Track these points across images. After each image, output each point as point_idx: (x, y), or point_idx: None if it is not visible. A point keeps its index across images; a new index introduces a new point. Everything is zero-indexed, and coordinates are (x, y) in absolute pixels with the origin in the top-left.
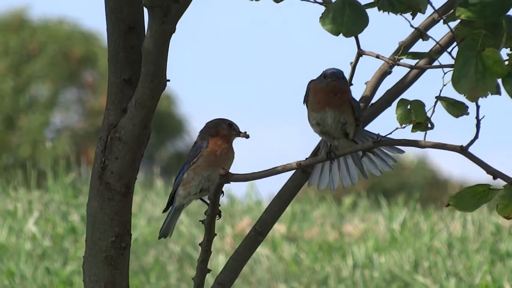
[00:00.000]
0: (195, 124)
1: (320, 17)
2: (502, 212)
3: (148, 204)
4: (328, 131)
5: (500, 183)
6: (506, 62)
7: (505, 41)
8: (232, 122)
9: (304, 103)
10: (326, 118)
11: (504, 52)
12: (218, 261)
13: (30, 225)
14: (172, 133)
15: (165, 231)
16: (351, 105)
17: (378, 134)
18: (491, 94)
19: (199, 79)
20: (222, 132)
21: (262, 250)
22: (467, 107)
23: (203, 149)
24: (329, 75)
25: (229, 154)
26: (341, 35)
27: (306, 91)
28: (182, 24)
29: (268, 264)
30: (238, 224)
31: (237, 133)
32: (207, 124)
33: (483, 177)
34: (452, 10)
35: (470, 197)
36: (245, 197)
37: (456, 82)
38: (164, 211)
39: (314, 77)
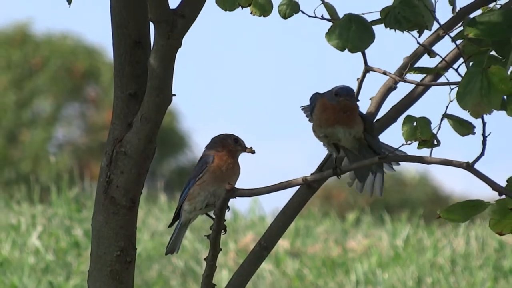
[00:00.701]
0: (198, 139)
1: (326, 33)
2: (494, 228)
3: (151, 219)
4: (338, 142)
5: None
6: None
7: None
8: (238, 137)
9: (310, 116)
10: (336, 133)
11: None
12: (222, 276)
13: (34, 239)
14: (174, 148)
15: (172, 247)
16: (361, 118)
17: (387, 147)
18: (496, 110)
19: (201, 94)
20: (228, 147)
21: (265, 266)
22: (474, 126)
23: (208, 164)
24: (342, 93)
25: (235, 169)
26: (346, 50)
27: (312, 106)
28: (186, 38)
29: (272, 279)
30: (242, 240)
31: (243, 148)
32: (213, 139)
33: (486, 193)
34: (457, 26)
35: (461, 209)
36: (249, 212)
37: (461, 99)
38: (170, 226)
39: (319, 91)
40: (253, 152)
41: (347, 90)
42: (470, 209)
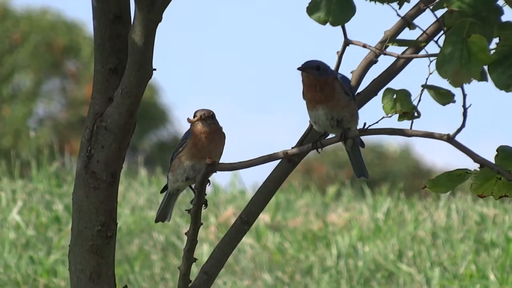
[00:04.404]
0: (178, 114)
1: (307, 7)
2: (476, 191)
3: (132, 193)
4: (326, 130)
5: None
6: (493, 51)
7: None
8: (198, 110)
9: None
10: (319, 116)
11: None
12: (203, 251)
13: (14, 214)
14: (155, 123)
15: (163, 215)
16: (345, 96)
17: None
18: (477, 80)
19: (182, 68)
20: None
21: (246, 239)
22: (453, 95)
23: (187, 140)
24: (300, 68)
25: (212, 145)
26: (328, 24)
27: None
28: (166, 12)
29: (252, 253)
30: (222, 214)
31: (195, 121)
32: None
33: (467, 166)
34: None
35: (446, 180)
36: (229, 186)
37: (440, 67)
38: (162, 192)
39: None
40: (201, 118)
41: (305, 62)
42: (455, 179)
